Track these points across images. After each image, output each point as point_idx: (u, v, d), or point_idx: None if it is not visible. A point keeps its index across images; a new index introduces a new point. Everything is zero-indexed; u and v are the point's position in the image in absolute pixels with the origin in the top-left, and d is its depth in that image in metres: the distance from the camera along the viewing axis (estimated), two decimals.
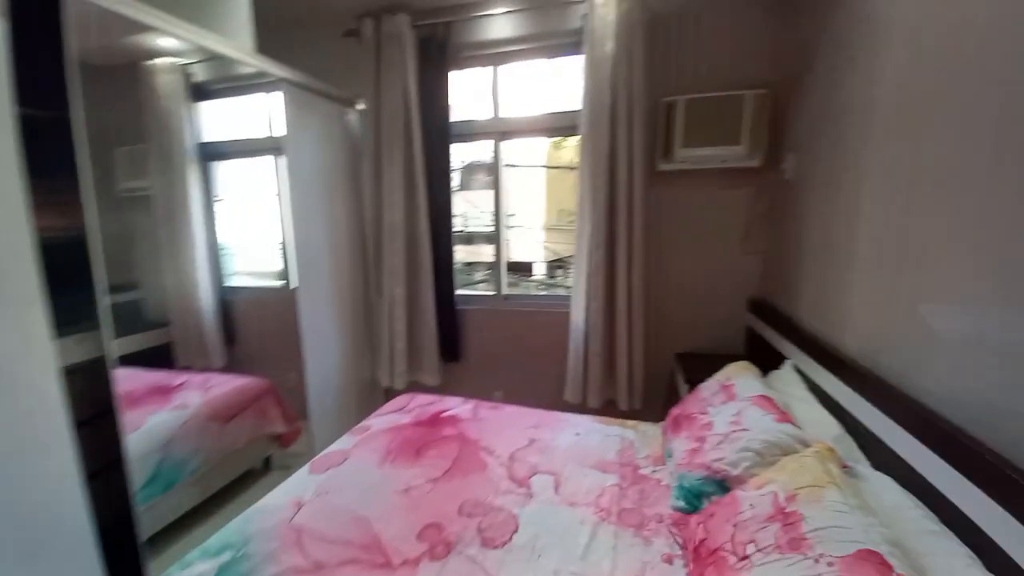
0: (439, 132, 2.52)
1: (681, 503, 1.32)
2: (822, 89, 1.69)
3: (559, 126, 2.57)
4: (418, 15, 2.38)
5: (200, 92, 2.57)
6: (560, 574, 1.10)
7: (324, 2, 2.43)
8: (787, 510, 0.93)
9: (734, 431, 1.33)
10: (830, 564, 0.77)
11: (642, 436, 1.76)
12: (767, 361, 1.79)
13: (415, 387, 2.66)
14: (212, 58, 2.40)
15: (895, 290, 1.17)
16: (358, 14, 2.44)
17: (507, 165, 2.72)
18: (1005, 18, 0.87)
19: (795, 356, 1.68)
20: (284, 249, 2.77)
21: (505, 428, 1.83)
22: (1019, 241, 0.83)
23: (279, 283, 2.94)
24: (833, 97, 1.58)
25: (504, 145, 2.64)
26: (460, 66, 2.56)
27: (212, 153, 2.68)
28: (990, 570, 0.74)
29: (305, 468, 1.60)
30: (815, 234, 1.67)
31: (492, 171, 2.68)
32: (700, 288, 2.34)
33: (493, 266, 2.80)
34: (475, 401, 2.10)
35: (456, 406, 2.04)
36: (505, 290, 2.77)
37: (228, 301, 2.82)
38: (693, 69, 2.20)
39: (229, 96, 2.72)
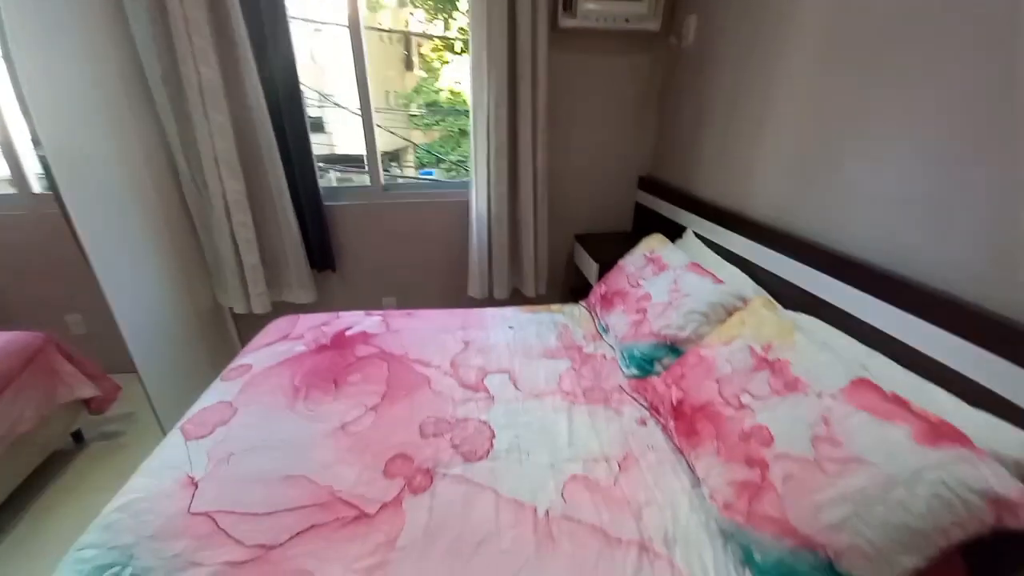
0: None
1: (634, 371, 1.38)
2: None
3: None
4: None
5: None
6: (556, 466, 1.06)
7: None
8: (769, 359, 1.02)
9: (676, 299, 1.40)
10: (833, 397, 0.86)
11: (571, 318, 1.76)
12: (662, 233, 1.89)
13: (284, 308, 2.16)
14: None
15: (816, 154, 1.28)
16: None
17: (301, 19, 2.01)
18: None
19: (694, 224, 1.82)
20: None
21: (429, 336, 1.62)
22: (938, 102, 0.93)
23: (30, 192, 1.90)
24: None
25: None
26: None
27: None
28: (925, 377, 0.92)
29: (173, 435, 1.16)
30: (720, 106, 1.72)
31: (351, 31, 1.99)
32: (596, 166, 2.31)
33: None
34: (381, 312, 1.80)
35: (359, 321, 1.72)
36: (381, 179, 2.30)
37: None
38: None
39: None
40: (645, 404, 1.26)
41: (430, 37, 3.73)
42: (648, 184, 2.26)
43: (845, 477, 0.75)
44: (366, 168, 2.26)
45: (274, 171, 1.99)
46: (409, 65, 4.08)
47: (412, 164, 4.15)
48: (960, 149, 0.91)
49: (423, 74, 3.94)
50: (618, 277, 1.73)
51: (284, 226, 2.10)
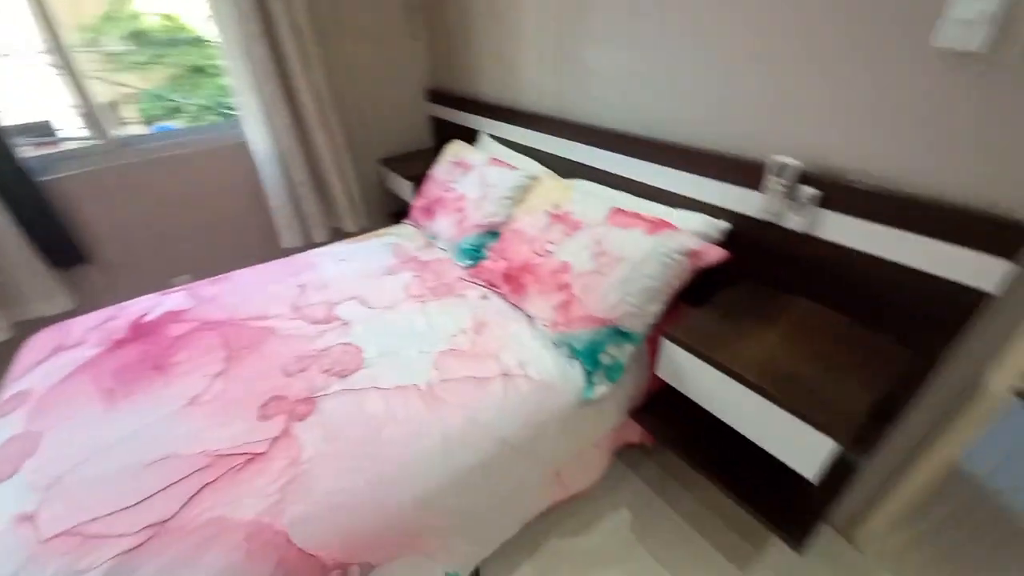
0: None
1: (468, 261, 1.58)
2: None
3: None
4: None
5: None
6: (424, 350, 1.21)
7: None
8: (558, 213, 1.32)
9: (486, 191, 1.61)
10: (600, 225, 1.20)
11: (401, 236, 1.85)
12: (461, 140, 2.05)
13: (33, 328, 1.68)
14: None
15: (564, 47, 1.54)
16: None
17: None
18: None
19: (486, 127, 2.01)
20: None
21: (254, 292, 1.52)
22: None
23: None
24: None
25: None
26: None
27: None
28: (650, 198, 1.33)
29: None
30: (479, 9, 1.85)
31: None
32: (382, 85, 2.25)
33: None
34: (181, 287, 1.58)
35: (157, 304, 1.49)
36: (116, 132, 1.84)
37: None
38: None
39: None
40: (483, 283, 1.49)
41: None
42: (437, 96, 2.34)
43: (614, 272, 1.10)
44: (58, 137, 1.76)
45: None
46: None
47: (137, 119, 3.22)
48: (656, 33, 1.24)
49: None
50: (432, 187, 1.85)
51: None
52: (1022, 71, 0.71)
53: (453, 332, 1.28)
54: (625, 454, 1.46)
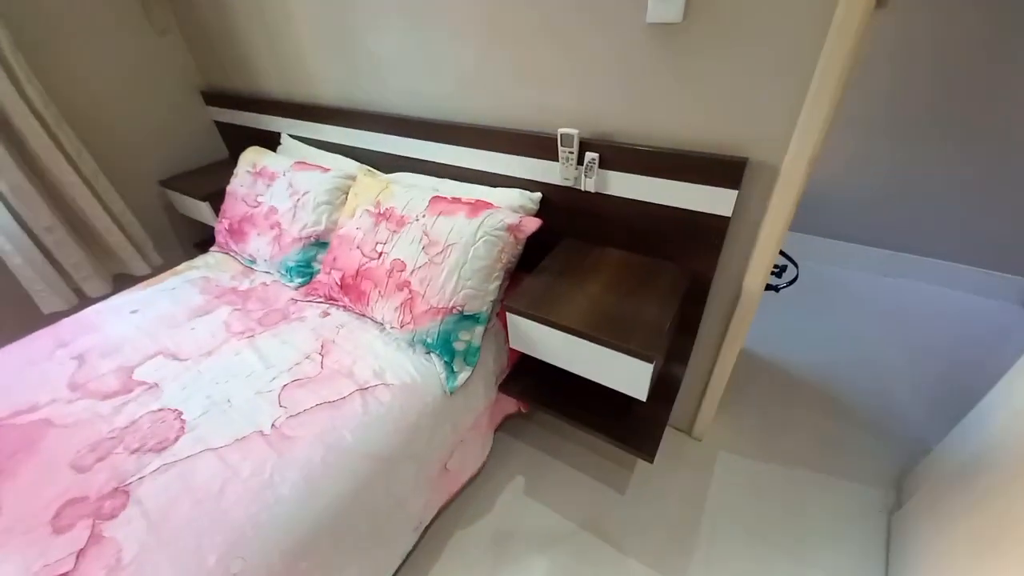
0: None
1: (298, 280, 1.44)
2: None
3: None
4: None
5: None
6: (263, 390, 1.08)
7: None
8: (381, 211, 1.27)
9: (299, 199, 1.46)
10: (424, 215, 1.19)
11: (208, 268, 1.58)
12: (258, 144, 1.82)
13: None
14: None
15: (341, 36, 1.44)
16: None
17: None
18: None
19: (285, 127, 1.81)
20: None
21: (11, 380, 1.17)
22: None
23: None
24: None
25: None
26: None
27: None
28: (468, 181, 1.36)
29: None
30: (249, 5, 1.61)
31: None
32: (133, 93, 1.84)
33: None
34: None
35: None
36: None
37: None
38: None
39: None
40: (321, 299, 1.37)
41: None
42: (214, 98, 2.02)
43: (446, 260, 1.11)
44: None
45: None
46: None
47: None
48: (414, 15, 1.24)
49: None
50: (234, 204, 1.61)
51: None
52: (709, 36, 0.90)
53: (296, 360, 1.16)
54: (507, 425, 1.54)
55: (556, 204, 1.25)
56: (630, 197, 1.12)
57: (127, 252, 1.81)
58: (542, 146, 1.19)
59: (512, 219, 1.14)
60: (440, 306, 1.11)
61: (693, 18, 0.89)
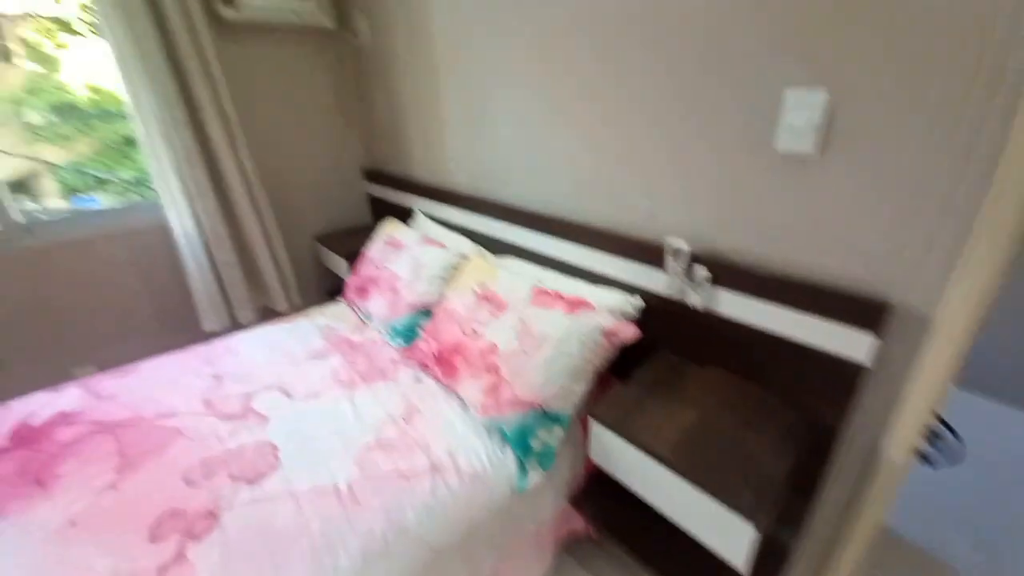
0: None
1: (401, 341, 1.55)
2: None
3: None
4: None
5: None
6: (349, 445, 1.14)
7: None
8: (485, 293, 1.34)
9: (418, 271, 1.62)
10: (524, 305, 1.23)
11: (333, 317, 1.80)
12: (397, 218, 2.10)
13: None
14: None
15: (479, 137, 1.66)
16: None
17: None
18: None
19: (420, 205, 2.08)
20: None
21: (163, 386, 1.40)
22: (533, 96, 1.39)
23: None
24: None
25: None
26: None
27: None
28: (569, 275, 1.39)
29: None
30: (406, 96, 1.97)
31: None
32: (314, 164, 2.29)
33: None
34: (76, 382, 1.43)
35: (48, 403, 1.33)
36: (18, 216, 1.72)
37: None
38: None
39: None
40: (416, 365, 1.46)
41: (36, 17, 2.76)
42: (373, 175, 2.41)
43: (539, 353, 1.12)
44: None
45: None
46: (6, 56, 2.93)
47: (56, 192, 3.06)
48: (542, 119, 1.38)
49: (35, 67, 2.90)
50: (366, 266, 1.84)
51: None
52: (846, 169, 0.84)
53: (382, 420, 1.22)
54: (574, 547, 1.40)
55: (657, 313, 1.21)
56: (743, 321, 1.04)
57: (276, 291, 2.15)
58: (648, 252, 1.18)
59: (609, 323, 1.13)
60: (524, 398, 1.10)
61: (830, 152, 0.86)
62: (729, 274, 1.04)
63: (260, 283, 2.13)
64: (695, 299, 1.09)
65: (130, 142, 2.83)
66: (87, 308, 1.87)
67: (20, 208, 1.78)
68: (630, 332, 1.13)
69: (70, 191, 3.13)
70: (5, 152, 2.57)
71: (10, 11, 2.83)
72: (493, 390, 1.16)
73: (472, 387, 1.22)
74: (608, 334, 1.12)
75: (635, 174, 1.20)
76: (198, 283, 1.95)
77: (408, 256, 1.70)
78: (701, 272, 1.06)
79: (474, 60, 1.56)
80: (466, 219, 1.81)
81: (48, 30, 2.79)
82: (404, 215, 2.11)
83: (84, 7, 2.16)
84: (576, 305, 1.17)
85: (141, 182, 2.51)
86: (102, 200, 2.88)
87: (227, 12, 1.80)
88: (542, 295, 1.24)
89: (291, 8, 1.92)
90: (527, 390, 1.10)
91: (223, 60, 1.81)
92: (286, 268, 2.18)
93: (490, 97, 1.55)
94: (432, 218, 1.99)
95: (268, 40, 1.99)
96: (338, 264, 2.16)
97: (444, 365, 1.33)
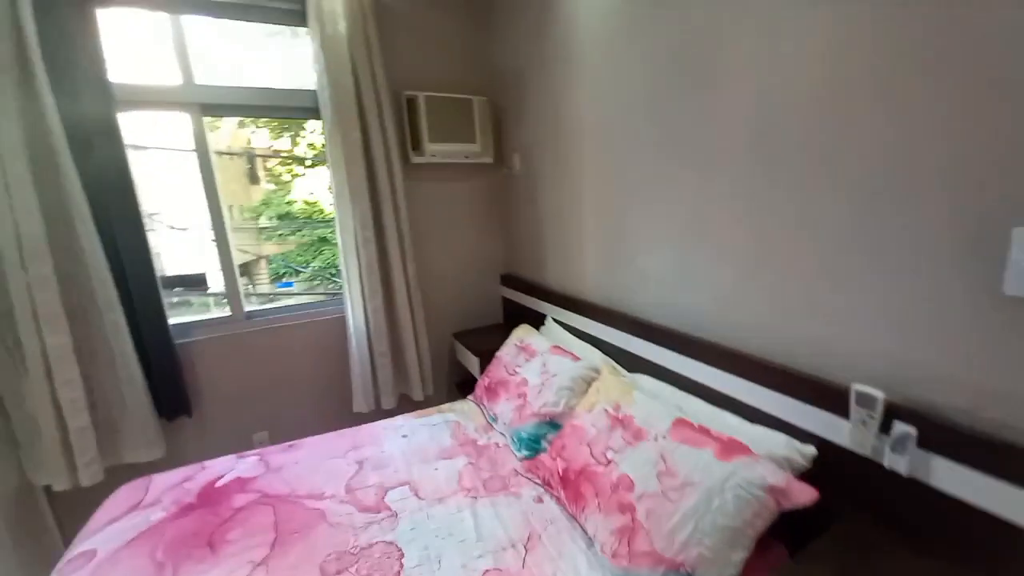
0: (92, 89, 1.72)
1: (525, 452, 1.52)
2: (537, 107, 2.14)
3: (281, 105, 2.21)
4: None
5: None
6: (468, 566, 1.10)
7: None
8: (619, 416, 1.27)
9: (547, 379, 1.63)
10: (664, 437, 1.12)
11: (462, 414, 1.87)
12: (527, 322, 2.19)
13: (121, 473, 1.82)
14: None
15: (616, 250, 1.71)
16: None
17: (133, 146, 1.87)
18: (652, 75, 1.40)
19: (551, 312, 2.15)
20: None
21: (317, 465, 1.56)
22: (669, 215, 1.40)
23: None
24: (548, 115, 2.04)
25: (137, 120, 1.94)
26: (111, 2, 1.80)
27: None
28: (718, 406, 1.25)
29: None
30: (548, 215, 2.16)
31: (199, 153, 2.04)
32: (460, 271, 2.59)
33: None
34: (257, 451, 1.67)
35: (231, 467, 1.57)
36: (247, 306, 2.22)
37: None
38: (423, 66, 2.33)
39: None
40: (539, 481, 1.40)
41: (278, 155, 3.84)
42: (509, 280, 2.61)
43: (683, 500, 0.98)
44: (208, 289, 2.19)
45: (111, 315, 1.80)
46: (255, 179, 4.08)
47: (265, 276, 3.98)
48: (690, 238, 1.36)
49: (271, 187, 3.96)
50: (497, 368, 1.92)
51: (124, 376, 1.85)
52: None
53: (503, 543, 1.16)
54: None
55: (837, 470, 0.99)
56: (967, 500, 0.79)
57: (415, 380, 2.34)
58: (819, 393, 1.01)
59: (777, 479, 0.95)
60: (664, 555, 0.95)
61: None
62: (944, 436, 0.82)
63: (404, 373, 2.35)
64: (896, 462, 0.87)
65: (323, 240, 3.66)
66: (271, 382, 2.25)
67: (243, 292, 2.29)
68: (805, 495, 0.93)
69: (276, 276, 4.09)
70: (243, 250, 3.49)
71: (261, 147, 4.00)
72: (626, 534, 1.03)
73: (601, 524, 1.11)
74: (775, 492, 0.94)
75: (796, 294, 1.09)
76: (357, 368, 2.24)
77: (538, 363, 1.73)
78: (902, 429, 0.86)
79: (618, 181, 1.67)
80: (596, 329, 1.81)
81: (285, 162, 3.87)
82: (536, 318, 2.19)
83: (312, 146, 2.95)
84: (731, 449, 1.02)
85: (325, 270, 3.24)
86: (296, 284, 3.71)
87: (416, 157, 2.27)
88: (686, 429, 1.12)
89: (463, 152, 2.34)
90: (668, 545, 0.96)
91: (407, 190, 2.24)
92: (426, 361, 2.39)
93: (629, 212, 1.61)
94: (562, 324, 2.04)
95: (441, 174, 2.43)
96: (471, 361, 2.29)
97: (570, 489, 1.25)
